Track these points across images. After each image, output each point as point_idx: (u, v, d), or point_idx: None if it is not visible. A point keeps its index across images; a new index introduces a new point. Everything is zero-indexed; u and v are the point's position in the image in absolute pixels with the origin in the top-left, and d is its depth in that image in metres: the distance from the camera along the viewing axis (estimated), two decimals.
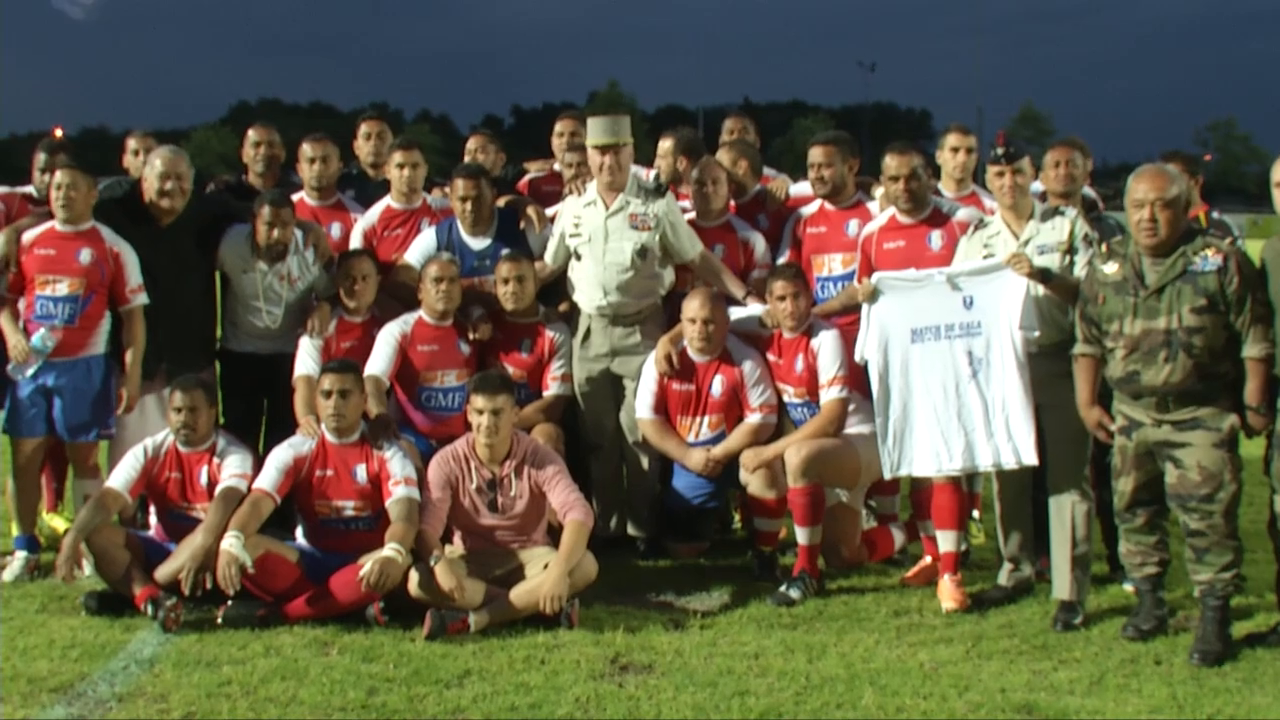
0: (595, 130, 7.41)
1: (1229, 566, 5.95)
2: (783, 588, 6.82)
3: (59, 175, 7.30)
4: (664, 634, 6.19)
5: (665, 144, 8.35)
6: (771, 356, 7.29)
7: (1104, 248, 6.21)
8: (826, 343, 7.08)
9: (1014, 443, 6.49)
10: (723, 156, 7.94)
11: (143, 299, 7.40)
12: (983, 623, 6.39)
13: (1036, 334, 6.41)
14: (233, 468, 6.71)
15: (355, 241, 7.95)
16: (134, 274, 7.37)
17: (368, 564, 6.24)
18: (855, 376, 7.06)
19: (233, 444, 6.89)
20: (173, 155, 7.61)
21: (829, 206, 7.54)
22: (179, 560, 6.42)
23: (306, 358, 7.36)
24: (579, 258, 7.51)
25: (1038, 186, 7.66)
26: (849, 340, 7.04)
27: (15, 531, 7.45)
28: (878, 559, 7.47)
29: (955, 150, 7.75)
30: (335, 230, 8.01)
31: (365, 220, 8.01)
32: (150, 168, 7.58)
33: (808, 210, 7.66)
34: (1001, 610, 6.58)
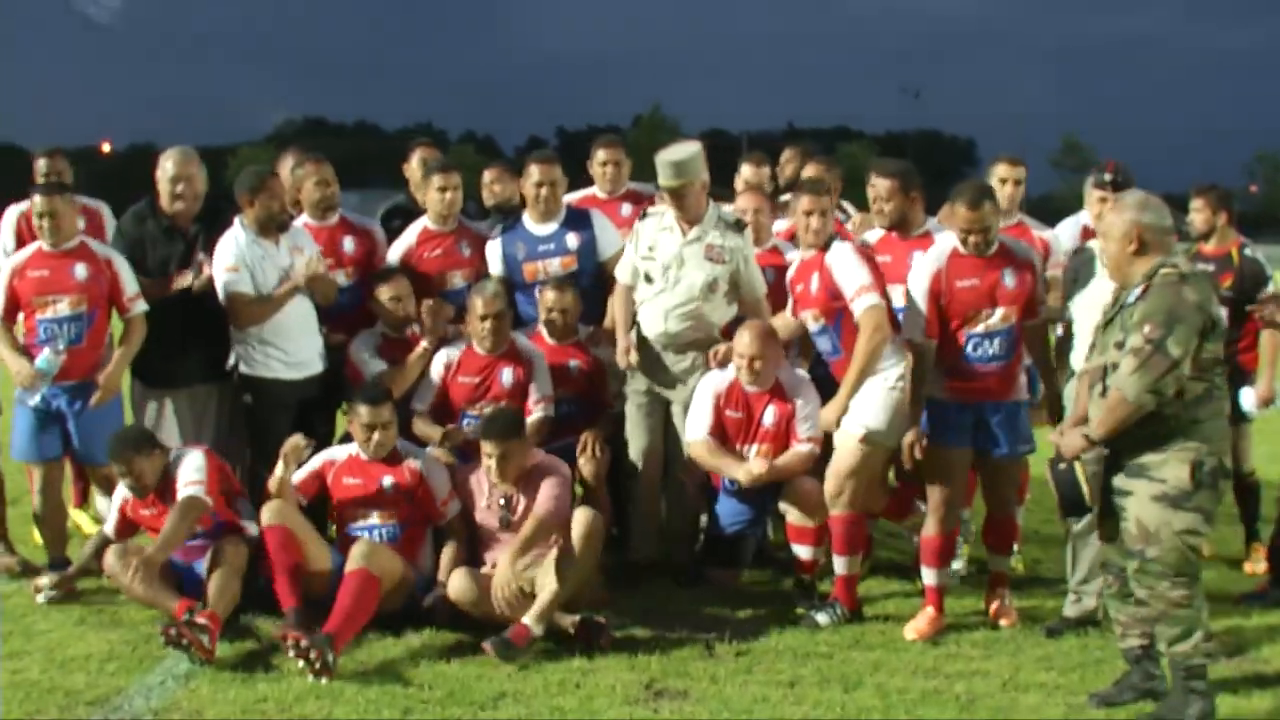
0: (661, 173, 7.22)
1: (1181, 638, 5.35)
2: (813, 611, 6.80)
3: (37, 203, 7.24)
4: (699, 660, 6.17)
5: (788, 153, 8.57)
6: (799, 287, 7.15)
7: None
8: (840, 255, 6.87)
9: None
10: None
11: (142, 305, 7.33)
12: (1020, 655, 6.32)
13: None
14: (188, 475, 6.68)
15: (394, 262, 7.94)
16: (130, 282, 7.30)
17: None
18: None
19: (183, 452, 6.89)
20: (183, 158, 7.59)
21: (896, 235, 7.38)
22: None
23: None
24: (649, 280, 7.37)
25: (1084, 218, 7.59)
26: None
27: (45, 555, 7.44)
28: (893, 516, 7.48)
29: (1004, 181, 7.64)
30: (349, 245, 7.99)
31: (403, 241, 8.02)
32: (162, 171, 7.56)
33: (872, 237, 7.51)
34: (1039, 643, 6.51)
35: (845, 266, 6.84)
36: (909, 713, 5.52)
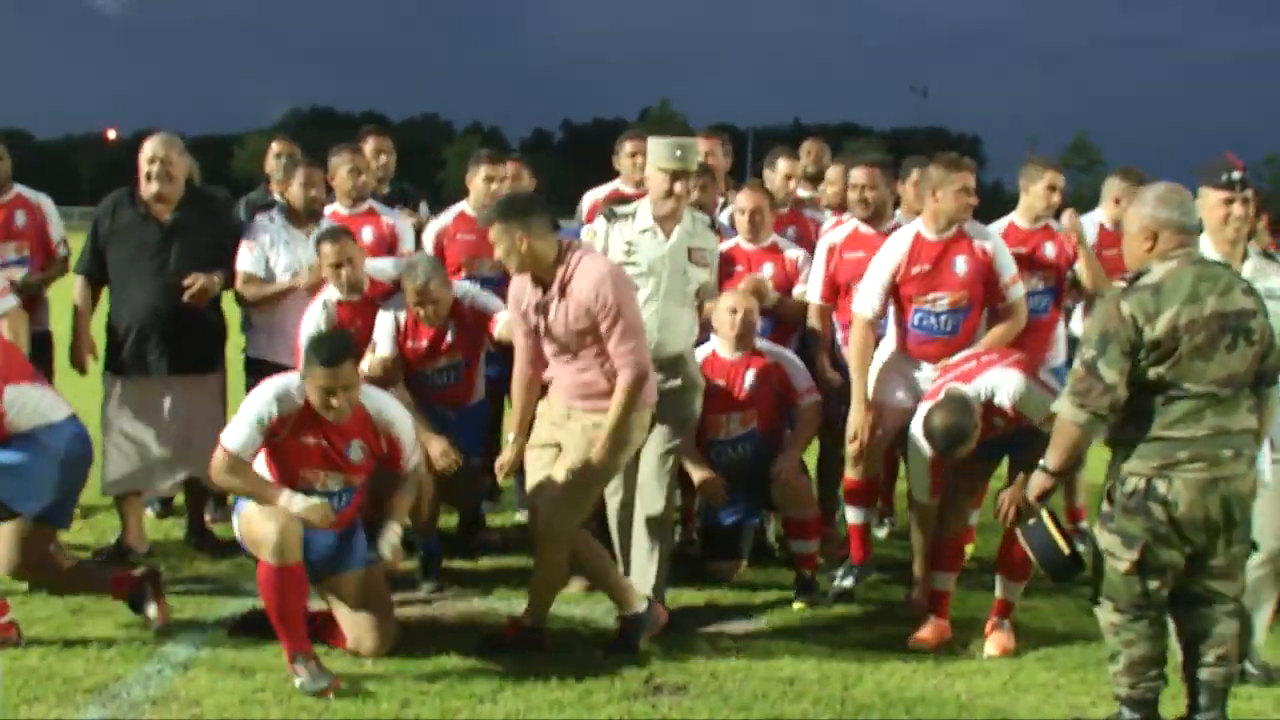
0: (665, 154, 6.65)
1: (1110, 660, 5.21)
2: (837, 580, 7.10)
3: None
4: (699, 656, 6.16)
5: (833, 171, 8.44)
6: (919, 267, 6.83)
7: None
8: (999, 241, 6.97)
9: None
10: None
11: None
12: (1021, 655, 6.31)
13: None
14: None
15: (428, 241, 8.12)
16: (57, 227, 7.69)
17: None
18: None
19: None
20: (162, 141, 7.55)
21: (864, 229, 7.40)
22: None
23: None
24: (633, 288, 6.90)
25: (1099, 214, 7.54)
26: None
27: None
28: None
29: (1052, 189, 7.44)
30: (367, 234, 7.97)
31: (439, 222, 8.20)
32: (142, 153, 7.54)
33: (840, 234, 7.49)
34: (1040, 643, 6.48)
35: (1007, 253, 6.93)
36: (908, 711, 5.52)
